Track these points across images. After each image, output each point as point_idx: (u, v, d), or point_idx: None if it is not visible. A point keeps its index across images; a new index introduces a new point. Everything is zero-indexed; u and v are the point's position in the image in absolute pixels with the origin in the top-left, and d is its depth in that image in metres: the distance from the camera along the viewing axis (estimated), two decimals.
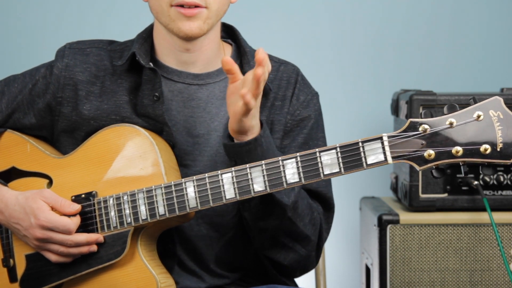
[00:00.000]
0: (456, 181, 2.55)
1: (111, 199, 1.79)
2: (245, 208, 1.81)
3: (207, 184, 1.71)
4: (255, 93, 1.63)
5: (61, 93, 1.90)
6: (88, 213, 1.81)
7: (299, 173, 1.66)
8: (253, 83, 1.62)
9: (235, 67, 1.66)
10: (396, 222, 2.51)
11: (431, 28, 3.15)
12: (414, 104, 2.53)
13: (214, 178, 1.71)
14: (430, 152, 1.61)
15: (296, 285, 2.01)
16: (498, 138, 1.58)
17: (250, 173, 1.69)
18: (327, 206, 1.92)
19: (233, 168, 1.70)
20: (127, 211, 1.77)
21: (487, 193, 2.54)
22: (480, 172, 2.52)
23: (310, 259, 1.91)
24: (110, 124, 1.85)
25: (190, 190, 1.72)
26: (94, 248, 1.80)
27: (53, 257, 1.81)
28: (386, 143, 1.63)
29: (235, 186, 1.69)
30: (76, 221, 1.79)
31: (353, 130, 3.12)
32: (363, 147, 1.63)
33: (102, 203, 1.80)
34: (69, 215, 1.79)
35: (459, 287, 2.51)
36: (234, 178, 1.70)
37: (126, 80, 1.90)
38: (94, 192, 1.81)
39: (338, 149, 1.64)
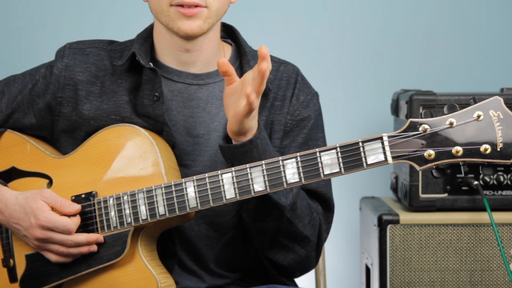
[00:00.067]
0: (456, 181, 2.54)
1: (111, 199, 1.79)
2: (243, 209, 1.81)
3: (207, 184, 1.71)
4: (258, 90, 1.62)
5: (61, 93, 1.90)
6: (88, 213, 1.81)
7: (299, 173, 1.66)
8: (257, 80, 1.61)
9: (231, 69, 1.66)
10: (396, 222, 2.51)
11: (431, 28, 3.15)
12: (414, 104, 2.53)
13: (214, 178, 1.71)
14: (430, 152, 1.61)
15: (296, 285, 2.01)
16: (498, 138, 1.58)
17: (250, 173, 1.68)
18: (327, 206, 1.92)
19: (233, 168, 1.70)
20: (127, 211, 1.77)
21: (487, 193, 2.53)
22: (480, 172, 2.52)
23: (310, 259, 1.91)
24: (110, 124, 1.85)
25: (190, 190, 1.72)
26: (94, 248, 1.79)
27: (53, 257, 1.81)
28: (386, 143, 1.62)
29: (235, 186, 1.69)
30: (76, 221, 1.79)
31: (353, 130, 3.12)
32: (363, 147, 1.63)
33: (102, 203, 1.80)
34: (69, 215, 1.79)
35: (459, 287, 2.51)
36: (234, 178, 1.69)
37: (126, 80, 1.89)
38: (94, 192, 1.81)
39: (338, 149, 1.64)
